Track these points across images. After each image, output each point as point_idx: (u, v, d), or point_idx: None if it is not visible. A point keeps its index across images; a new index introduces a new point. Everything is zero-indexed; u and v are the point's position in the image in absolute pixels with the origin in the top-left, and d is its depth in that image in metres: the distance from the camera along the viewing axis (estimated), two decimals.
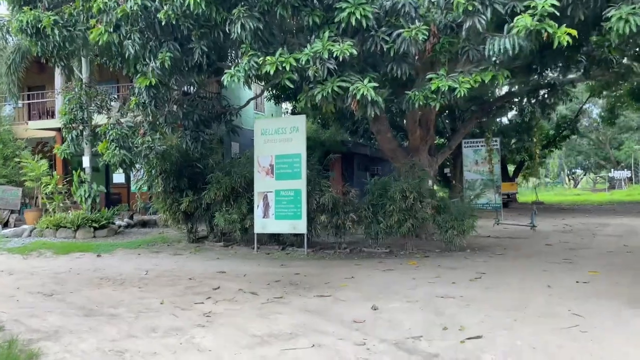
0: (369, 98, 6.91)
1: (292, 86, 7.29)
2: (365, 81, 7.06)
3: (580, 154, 53.79)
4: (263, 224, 10.63)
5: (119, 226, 14.18)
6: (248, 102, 12.11)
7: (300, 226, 10.26)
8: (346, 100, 7.15)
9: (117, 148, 8.87)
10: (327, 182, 10.60)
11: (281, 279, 7.59)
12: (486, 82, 6.94)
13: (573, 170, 64.20)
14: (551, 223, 15.61)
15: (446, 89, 6.94)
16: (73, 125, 10.67)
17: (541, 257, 9.13)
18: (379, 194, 10.20)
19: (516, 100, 14.31)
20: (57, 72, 15.59)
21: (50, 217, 12.82)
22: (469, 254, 9.70)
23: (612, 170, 49.48)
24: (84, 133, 10.87)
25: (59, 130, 16.76)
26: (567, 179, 64.92)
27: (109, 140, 9.01)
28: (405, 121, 12.71)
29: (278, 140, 10.61)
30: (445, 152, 12.92)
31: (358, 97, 6.92)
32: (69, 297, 6.66)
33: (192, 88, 11.24)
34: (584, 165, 60.96)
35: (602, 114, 31.35)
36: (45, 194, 13.65)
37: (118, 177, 17.20)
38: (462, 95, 6.86)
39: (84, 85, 11.15)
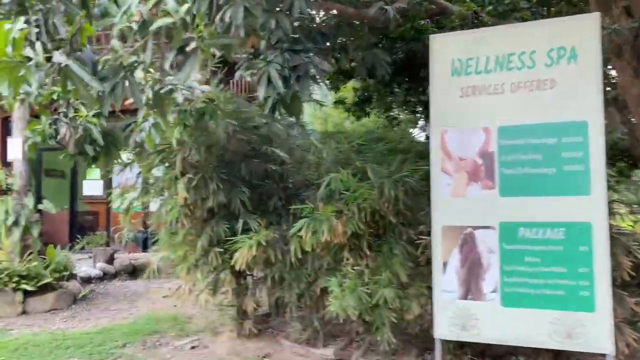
0: None
1: None
2: None
3: None
4: (463, 317, 3.87)
5: (86, 279, 7.31)
6: None
7: (596, 331, 3.50)
8: None
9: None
10: None
11: None
12: None
13: None
14: None
15: None
16: None
17: None
18: None
19: None
20: None
21: None
22: None
23: None
24: None
25: None
26: None
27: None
28: None
29: (507, 87, 3.90)
30: None
31: None
32: None
33: None
34: None
35: None
36: None
37: (91, 186, 10.32)
38: None
39: None
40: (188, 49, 2.39)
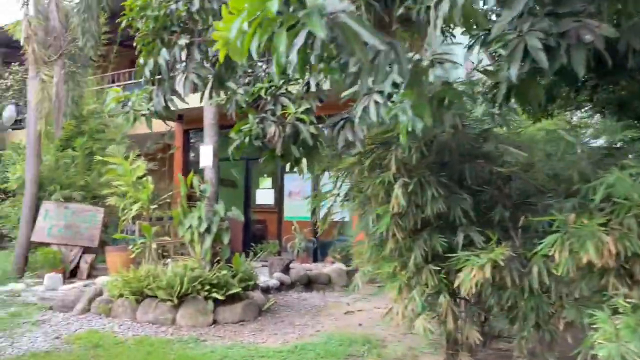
0: None
1: None
2: None
3: None
4: None
5: (265, 289, 7.14)
6: None
7: None
8: None
9: None
10: None
11: None
12: None
13: None
14: None
15: None
16: (162, 37, 3.79)
17: None
18: None
19: None
20: None
21: (128, 274, 6.06)
22: None
23: None
24: (190, 67, 3.80)
25: (180, 118, 10.59)
26: None
27: None
28: None
29: None
30: None
31: None
32: None
33: None
34: None
35: None
36: (128, 220, 7.09)
37: (263, 195, 10.40)
38: None
39: None
40: None
